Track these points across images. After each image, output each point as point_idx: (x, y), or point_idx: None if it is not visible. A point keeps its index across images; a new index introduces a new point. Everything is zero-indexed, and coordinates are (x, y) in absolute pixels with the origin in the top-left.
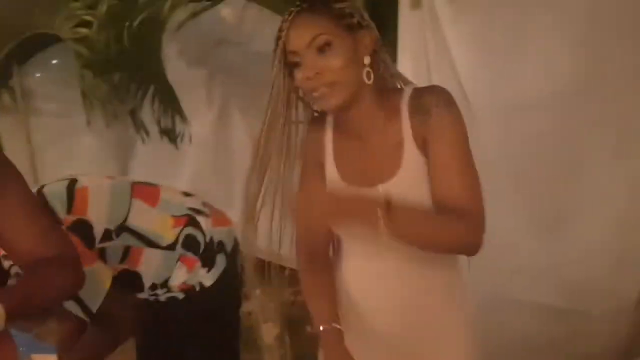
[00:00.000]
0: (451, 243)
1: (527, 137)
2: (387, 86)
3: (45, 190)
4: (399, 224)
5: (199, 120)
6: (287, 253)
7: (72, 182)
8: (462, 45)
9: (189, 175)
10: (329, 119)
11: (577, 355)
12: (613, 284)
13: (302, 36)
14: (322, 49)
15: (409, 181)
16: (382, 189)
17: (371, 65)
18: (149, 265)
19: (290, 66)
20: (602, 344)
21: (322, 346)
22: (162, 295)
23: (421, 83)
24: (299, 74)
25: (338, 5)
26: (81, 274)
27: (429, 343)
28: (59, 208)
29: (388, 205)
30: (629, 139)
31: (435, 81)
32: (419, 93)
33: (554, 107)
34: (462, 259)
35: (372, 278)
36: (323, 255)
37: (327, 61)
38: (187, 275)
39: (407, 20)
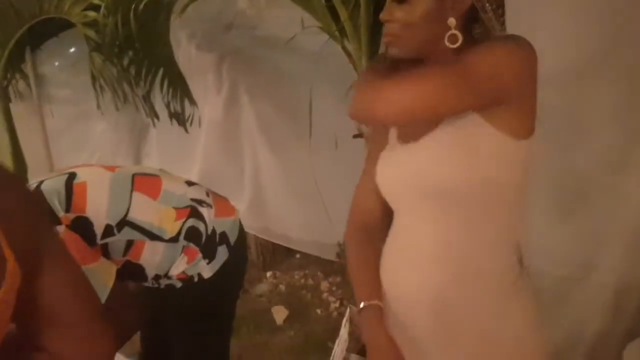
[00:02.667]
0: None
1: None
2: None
3: (43, 187)
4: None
5: (209, 104)
6: (298, 236)
7: (71, 177)
8: None
9: (201, 157)
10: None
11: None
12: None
13: None
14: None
15: (444, 140)
16: (418, 144)
17: (462, 26)
18: (152, 258)
19: None
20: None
21: (361, 323)
22: (163, 283)
23: None
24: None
25: None
26: None
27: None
28: (58, 206)
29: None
30: (634, 116)
31: None
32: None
33: (562, 83)
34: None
35: (407, 260)
36: (374, 227)
37: (398, 12)
38: (186, 265)
39: None
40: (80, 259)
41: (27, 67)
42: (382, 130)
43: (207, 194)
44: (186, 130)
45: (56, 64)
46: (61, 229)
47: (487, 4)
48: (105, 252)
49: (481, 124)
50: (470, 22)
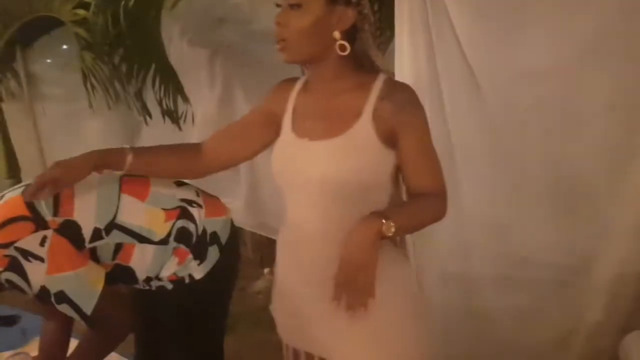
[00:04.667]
0: (435, 219)
1: (531, 105)
2: (362, 63)
3: None
4: (401, 229)
5: (203, 100)
6: None
7: None
8: (463, 13)
9: None
10: (302, 78)
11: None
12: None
13: None
14: (293, 6)
15: (345, 148)
16: (318, 144)
17: (345, 39)
18: (142, 261)
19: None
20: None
21: None
22: (154, 285)
23: (422, 52)
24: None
25: None
26: None
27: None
28: (45, 210)
29: (388, 223)
30: (632, 107)
31: (438, 51)
32: (393, 83)
33: (559, 75)
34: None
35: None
36: (202, 157)
37: (290, 18)
38: (177, 267)
39: None
40: (69, 263)
41: (18, 66)
42: (274, 113)
43: (197, 194)
44: (179, 127)
45: (48, 61)
46: (49, 233)
47: (366, 25)
48: (94, 256)
49: (374, 139)
50: (351, 39)
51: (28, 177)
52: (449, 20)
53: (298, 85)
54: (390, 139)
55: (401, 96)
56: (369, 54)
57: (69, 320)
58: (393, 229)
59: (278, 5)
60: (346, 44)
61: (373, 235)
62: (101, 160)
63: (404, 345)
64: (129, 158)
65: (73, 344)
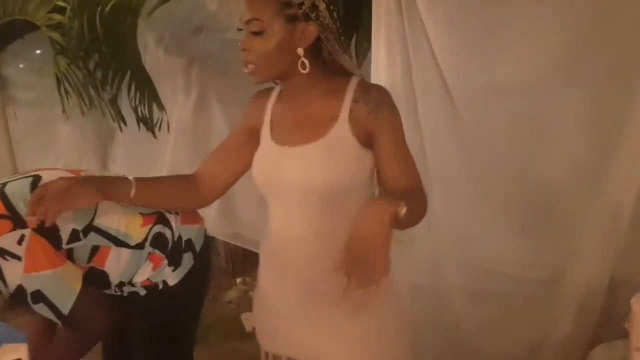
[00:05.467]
0: (423, 215)
1: (505, 121)
2: (333, 69)
3: (7, 189)
4: (408, 215)
5: (178, 108)
6: None
7: (36, 180)
8: (439, 29)
9: (169, 162)
10: (277, 87)
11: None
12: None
13: (244, 14)
14: (254, 32)
15: (324, 151)
16: (298, 150)
17: (310, 55)
18: (117, 264)
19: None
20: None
21: None
22: (126, 291)
23: (399, 65)
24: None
25: None
26: None
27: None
28: (24, 209)
29: (396, 211)
30: (603, 125)
31: (414, 66)
32: (366, 86)
33: (532, 91)
34: None
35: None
36: (200, 184)
37: (254, 43)
38: (152, 272)
39: (382, 6)
40: (48, 262)
41: None
42: (254, 128)
43: None
44: (154, 135)
45: (20, 66)
46: (27, 232)
47: (330, 34)
48: (70, 257)
49: (352, 142)
50: (319, 49)
51: None
52: (426, 36)
53: (274, 95)
54: (366, 140)
55: (375, 97)
56: (337, 60)
57: (50, 326)
58: (404, 210)
59: (239, 29)
60: (306, 62)
61: (389, 213)
62: (107, 194)
63: (389, 345)
64: (133, 190)
65: None
